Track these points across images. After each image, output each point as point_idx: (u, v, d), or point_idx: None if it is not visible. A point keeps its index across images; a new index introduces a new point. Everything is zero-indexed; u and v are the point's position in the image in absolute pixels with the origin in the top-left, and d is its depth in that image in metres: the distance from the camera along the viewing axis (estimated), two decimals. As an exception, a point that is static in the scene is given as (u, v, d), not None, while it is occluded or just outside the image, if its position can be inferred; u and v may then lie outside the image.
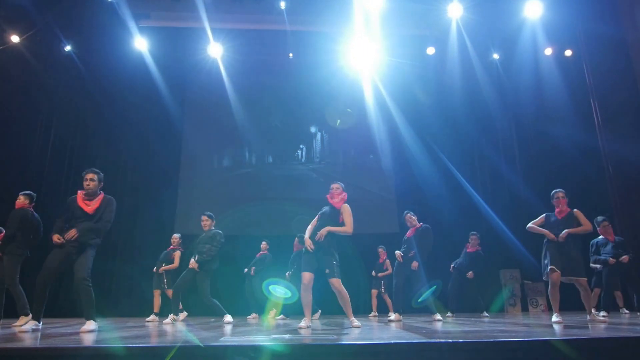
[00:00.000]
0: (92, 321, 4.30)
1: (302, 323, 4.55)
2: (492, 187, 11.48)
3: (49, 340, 3.26)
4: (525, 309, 10.33)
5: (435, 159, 11.55)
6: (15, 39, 9.90)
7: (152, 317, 7.54)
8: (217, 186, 11.38)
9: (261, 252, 9.03)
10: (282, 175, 11.62)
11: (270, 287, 8.34)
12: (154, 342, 3.10)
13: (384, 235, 10.68)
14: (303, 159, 11.80)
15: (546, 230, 5.33)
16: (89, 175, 4.62)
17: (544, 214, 5.59)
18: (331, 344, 2.74)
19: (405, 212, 7.00)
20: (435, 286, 6.77)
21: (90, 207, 4.55)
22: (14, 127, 10.43)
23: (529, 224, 5.60)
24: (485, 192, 11.45)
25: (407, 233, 6.82)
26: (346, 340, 2.93)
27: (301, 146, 11.88)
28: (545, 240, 5.37)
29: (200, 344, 2.60)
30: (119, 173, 10.91)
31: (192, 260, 6.32)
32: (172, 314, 6.31)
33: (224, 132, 11.75)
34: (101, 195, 4.68)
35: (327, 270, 4.62)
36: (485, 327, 4.40)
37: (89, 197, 4.60)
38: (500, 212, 11.10)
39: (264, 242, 9.15)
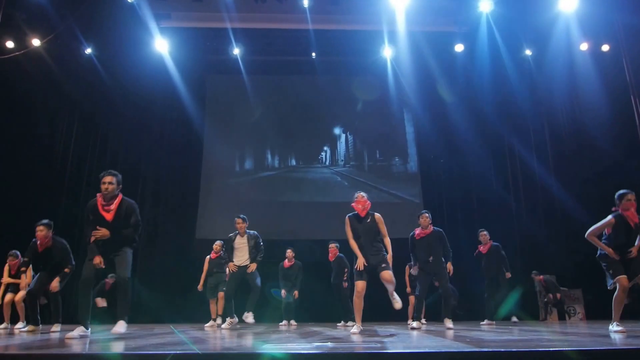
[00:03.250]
0: (123, 322, 4.34)
1: (354, 329, 4.77)
2: (524, 189, 11.10)
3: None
4: (562, 317, 9.83)
5: (464, 161, 11.15)
6: (36, 42, 9.89)
7: (211, 322, 7.62)
8: (239, 190, 11.15)
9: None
10: (306, 179, 11.34)
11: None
12: (148, 349, 2.98)
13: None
14: (327, 162, 11.48)
15: (610, 250, 4.57)
16: (107, 179, 4.39)
17: (613, 216, 4.59)
18: (376, 352, 2.61)
19: (424, 211, 6.58)
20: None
21: (109, 213, 4.38)
22: (35, 131, 10.45)
23: (592, 231, 4.65)
24: (517, 194, 11.07)
25: (422, 233, 6.38)
26: (392, 349, 2.80)
27: (325, 148, 11.56)
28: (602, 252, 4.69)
29: (197, 351, 2.46)
30: (139, 176, 10.79)
31: (253, 265, 6.46)
32: (229, 318, 6.52)
33: (246, 135, 11.53)
34: (119, 198, 4.46)
35: (383, 265, 4.89)
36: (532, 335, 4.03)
37: (107, 201, 4.40)
38: (534, 215, 10.69)
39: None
